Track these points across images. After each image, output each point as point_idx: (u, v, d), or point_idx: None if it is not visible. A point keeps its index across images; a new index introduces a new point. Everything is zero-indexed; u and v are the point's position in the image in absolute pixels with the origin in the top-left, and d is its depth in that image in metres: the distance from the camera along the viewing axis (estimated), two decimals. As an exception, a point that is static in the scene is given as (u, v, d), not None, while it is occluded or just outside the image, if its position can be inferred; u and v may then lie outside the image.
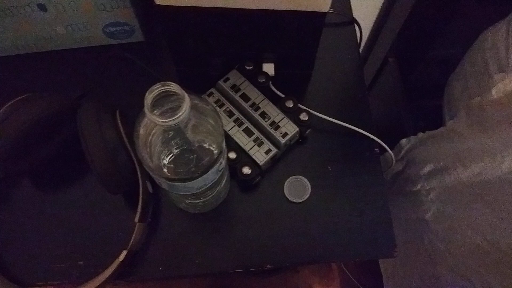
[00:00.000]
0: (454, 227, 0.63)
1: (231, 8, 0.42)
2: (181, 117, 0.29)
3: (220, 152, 0.36)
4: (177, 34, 0.48)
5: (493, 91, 0.55)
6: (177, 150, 0.37)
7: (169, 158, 0.37)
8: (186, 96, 0.30)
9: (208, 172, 0.36)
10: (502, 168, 0.53)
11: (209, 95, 0.50)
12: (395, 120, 0.89)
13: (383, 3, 0.77)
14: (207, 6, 0.41)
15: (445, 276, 0.66)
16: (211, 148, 0.36)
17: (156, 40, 0.58)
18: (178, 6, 0.42)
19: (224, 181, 0.45)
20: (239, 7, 0.41)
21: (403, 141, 0.79)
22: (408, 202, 0.75)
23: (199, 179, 0.35)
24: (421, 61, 0.88)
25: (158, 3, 0.42)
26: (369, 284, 1.07)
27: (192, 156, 0.37)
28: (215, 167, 0.36)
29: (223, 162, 0.39)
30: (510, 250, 0.52)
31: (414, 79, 0.89)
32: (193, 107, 0.32)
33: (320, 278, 1.10)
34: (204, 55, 0.52)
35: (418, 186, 0.71)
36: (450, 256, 0.65)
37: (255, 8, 0.41)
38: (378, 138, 0.52)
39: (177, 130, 0.32)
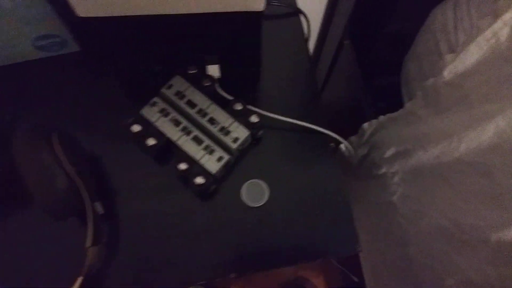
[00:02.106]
0: (420, 209, 0.63)
1: (161, 14, 0.39)
2: None
3: None
4: (109, 44, 0.45)
5: (445, 73, 0.55)
6: None
7: None
8: None
9: None
10: (460, 150, 0.53)
11: (152, 105, 0.47)
12: (357, 104, 0.88)
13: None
14: (134, 14, 0.39)
15: (416, 257, 0.67)
16: None
17: (93, 50, 0.55)
18: (103, 17, 0.39)
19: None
20: (168, 12, 0.39)
21: (365, 125, 0.78)
22: (376, 185, 0.75)
23: None
24: (376, 41, 0.86)
25: (81, 15, 0.39)
26: (348, 264, 1.08)
27: None
28: None
29: None
30: (473, 230, 0.53)
31: (372, 60, 0.88)
32: None
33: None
34: (144, 63, 0.49)
35: (383, 170, 0.71)
36: (419, 237, 0.65)
37: (183, 13, 0.39)
38: (333, 131, 0.50)
39: None
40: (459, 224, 0.56)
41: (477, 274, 0.53)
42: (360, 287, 0.90)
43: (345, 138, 0.72)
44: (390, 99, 0.77)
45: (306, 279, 1.06)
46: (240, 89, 0.50)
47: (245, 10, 0.39)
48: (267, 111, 0.49)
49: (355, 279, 1.06)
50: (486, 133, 0.48)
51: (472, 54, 0.50)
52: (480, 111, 0.50)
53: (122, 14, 0.39)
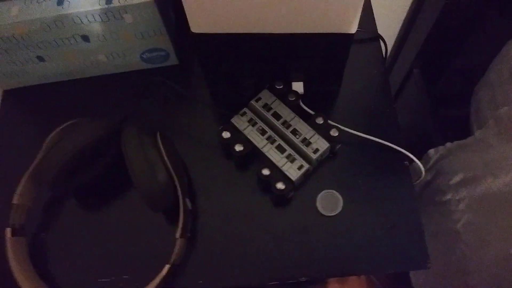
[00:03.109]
0: (486, 237, 0.63)
1: (263, 33, 0.44)
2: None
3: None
4: (211, 58, 0.51)
5: (521, 101, 0.56)
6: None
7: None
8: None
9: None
10: (533, 178, 0.53)
11: (242, 115, 0.52)
12: (421, 130, 0.90)
13: (406, 17, 0.78)
14: (241, 32, 0.44)
15: (478, 287, 0.66)
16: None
17: (189, 63, 0.61)
18: (213, 33, 0.44)
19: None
20: (271, 32, 0.44)
21: (431, 151, 0.79)
22: (438, 213, 0.75)
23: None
24: (446, 71, 0.88)
25: (194, 31, 0.44)
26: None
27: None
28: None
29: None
30: (544, 260, 0.53)
31: (440, 89, 0.89)
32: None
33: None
34: (237, 76, 0.54)
35: (448, 196, 0.72)
36: (482, 266, 0.64)
37: (285, 32, 0.44)
38: (407, 150, 0.53)
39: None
40: (527, 253, 0.56)
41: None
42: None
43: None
44: (457, 129, 0.78)
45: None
46: (320, 105, 0.54)
47: (339, 32, 0.44)
48: (345, 126, 0.53)
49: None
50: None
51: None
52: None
53: (230, 32, 0.44)
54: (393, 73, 0.94)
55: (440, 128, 0.87)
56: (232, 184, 0.54)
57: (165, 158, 0.47)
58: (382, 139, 0.52)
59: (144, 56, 0.57)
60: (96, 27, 0.51)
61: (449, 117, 0.90)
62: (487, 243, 0.63)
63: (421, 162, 0.81)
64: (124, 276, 0.50)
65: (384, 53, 0.61)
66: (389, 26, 0.80)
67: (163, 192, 0.46)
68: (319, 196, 0.52)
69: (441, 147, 0.77)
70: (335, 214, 0.51)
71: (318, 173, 0.53)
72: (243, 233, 0.51)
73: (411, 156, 0.53)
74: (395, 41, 0.86)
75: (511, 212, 0.58)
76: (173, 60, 0.59)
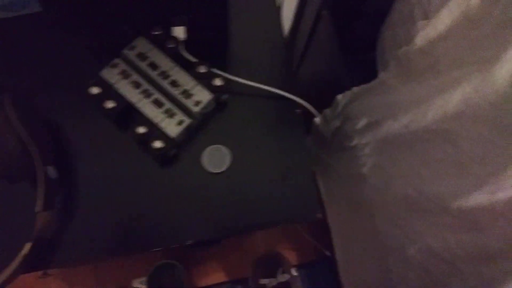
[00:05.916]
0: (388, 179, 0.63)
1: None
2: None
3: None
4: (73, 3, 0.43)
5: (417, 40, 0.54)
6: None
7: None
8: None
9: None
10: (427, 118, 0.53)
11: (113, 66, 0.46)
12: (333, 76, 0.87)
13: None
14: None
15: (383, 227, 0.67)
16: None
17: (55, 10, 0.52)
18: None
19: None
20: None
21: (339, 96, 0.77)
22: (347, 158, 0.75)
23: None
24: (356, 13, 0.85)
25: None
26: (321, 238, 1.09)
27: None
28: None
29: None
30: (436, 198, 0.53)
31: (350, 33, 0.86)
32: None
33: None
34: (108, 21, 0.47)
35: (355, 141, 0.71)
36: (385, 207, 0.65)
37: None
38: (309, 99, 0.49)
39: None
40: (422, 192, 0.56)
41: (437, 241, 0.54)
42: (332, 260, 0.91)
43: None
44: (370, 74, 0.76)
45: (278, 254, 1.06)
46: (207, 52, 0.48)
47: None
48: (234, 75, 0.48)
49: (327, 253, 1.07)
50: (453, 100, 0.48)
51: (443, 20, 0.50)
52: (448, 78, 0.50)
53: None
54: (304, 16, 0.89)
55: (351, 73, 0.85)
56: (111, 146, 0.49)
57: (15, 122, 0.40)
58: (273, 88, 0.49)
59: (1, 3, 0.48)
60: None
61: (361, 61, 0.88)
62: (388, 185, 0.63)
63: (330, 109, 0.80)
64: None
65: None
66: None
67: (11, 161, 0.39)
68: (204, 152, 0.48)
69: (348, 92, 0.75)
70: (222, 170, 0.47)
71: (205, 127, 0.49)
72: (126, 197, 0.47)
73: (303, 102, 0.50)
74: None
75: (409, 153, 0.58)
76: (35, 7, 0.51)
